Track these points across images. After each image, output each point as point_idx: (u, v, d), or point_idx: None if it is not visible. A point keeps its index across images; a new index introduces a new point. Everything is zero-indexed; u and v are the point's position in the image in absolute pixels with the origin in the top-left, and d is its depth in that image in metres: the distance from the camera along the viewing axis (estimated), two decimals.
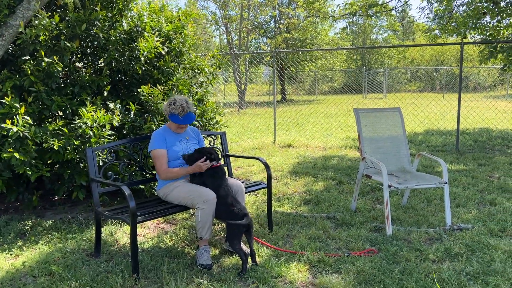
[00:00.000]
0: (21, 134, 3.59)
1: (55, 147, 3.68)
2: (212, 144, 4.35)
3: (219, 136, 4.39)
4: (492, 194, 4.90)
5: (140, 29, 4.63)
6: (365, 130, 4.50)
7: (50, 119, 4.54)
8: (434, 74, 30.37)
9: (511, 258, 3.22)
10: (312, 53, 24.60)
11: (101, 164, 3.79)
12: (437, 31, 12.12)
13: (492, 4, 8.89)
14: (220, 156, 4.32)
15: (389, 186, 3.84)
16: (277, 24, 25.59)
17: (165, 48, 4.78)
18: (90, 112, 3.87)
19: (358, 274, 3.02)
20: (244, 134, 10.76)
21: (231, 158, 7.15)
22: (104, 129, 3.93)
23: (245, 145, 9.01)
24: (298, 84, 30.23)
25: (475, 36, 10.24)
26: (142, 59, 4.53)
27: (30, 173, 3.68)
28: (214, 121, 5.45)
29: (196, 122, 4.93)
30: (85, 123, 3.79)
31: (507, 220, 4.03)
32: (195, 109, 3.54)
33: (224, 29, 21.22)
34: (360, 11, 10.29)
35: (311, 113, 15.73)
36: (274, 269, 3.12)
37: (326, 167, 6.60)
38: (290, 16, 24.67)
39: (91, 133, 3.78)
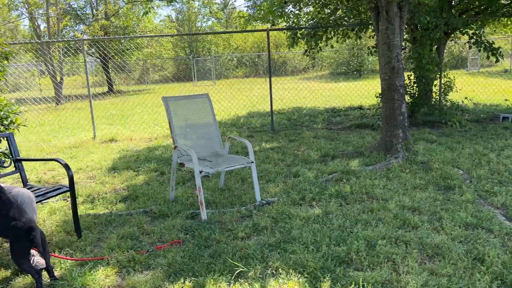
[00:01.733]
0: None
1: None
2: None
3: (5, 138, 3.77)
4: (297, 167, 5.42)
5: None
6: (176, 118, 4.44)
7: None
8: (257, 60, 32.56)
9: (308, 224, 3.58)
10: (136, 41, 23.67)
11: None
12: (247, 17, 12.86)
13: None
14: (8, 163, 3.72)
15: (201, 172, 3.87)
16: (93, 11, 23.76)
17: None
18: None
19: (168, 267, 2.95)
20: (60, 132, 9.73)
21: (30, 163, 6.33)
22: None
23: (60, 144, 8.12)
24: (127, 74, 28.85)
25: (281, 23, 11.18)
26: None
27: None
28: (8, 121, 4.71)
29: None
30: None
31: (307, 189, 4.49)
32: None
33: (28, 15, 18.72)
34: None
35: (139, 104, 15.18)
36: (77, 279, 2.83)
37: (149, 159, 6.40)
38: (107, 1, 23.16)
39: None
